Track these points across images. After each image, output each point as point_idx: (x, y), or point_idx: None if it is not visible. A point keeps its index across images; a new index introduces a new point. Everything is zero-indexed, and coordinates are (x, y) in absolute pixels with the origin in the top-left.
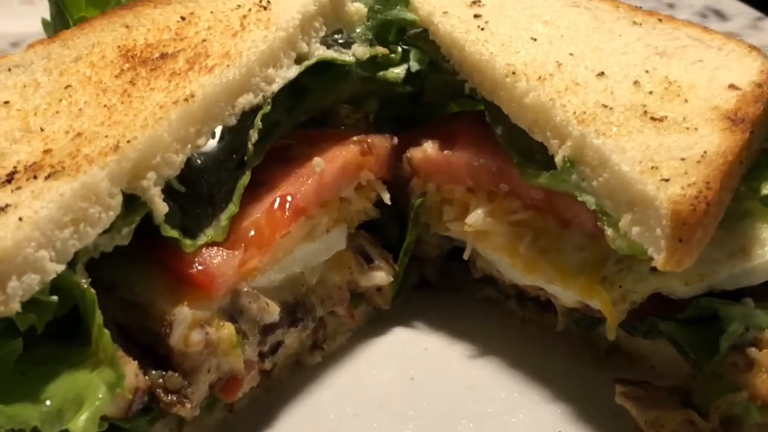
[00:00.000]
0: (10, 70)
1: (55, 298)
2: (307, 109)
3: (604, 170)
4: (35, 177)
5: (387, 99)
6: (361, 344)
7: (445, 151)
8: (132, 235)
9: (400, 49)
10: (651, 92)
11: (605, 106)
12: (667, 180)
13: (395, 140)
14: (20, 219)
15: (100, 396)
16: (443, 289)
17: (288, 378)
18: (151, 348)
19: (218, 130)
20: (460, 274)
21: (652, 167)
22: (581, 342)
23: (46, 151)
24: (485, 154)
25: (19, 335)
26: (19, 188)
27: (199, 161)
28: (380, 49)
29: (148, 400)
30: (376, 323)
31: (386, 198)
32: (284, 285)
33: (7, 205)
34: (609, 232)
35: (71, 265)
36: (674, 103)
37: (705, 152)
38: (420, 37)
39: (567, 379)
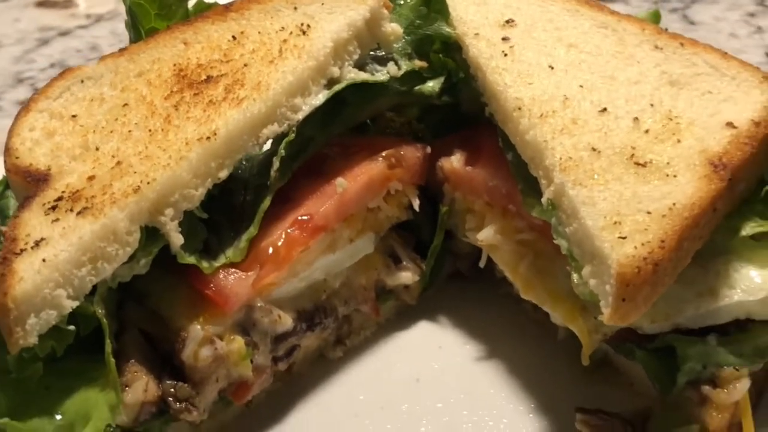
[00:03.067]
0: (82, 81)
1: (72, 327)
2: (343, 123)
3: (574, 220)
4: (72, 209)
5: (427, 107)
6: (382, 338)
7: (468, 167)
8: (150, 264)
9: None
10: (647, 131)
11: (594, 150)
12: (624, 238)
13: (428, 149)
14: (43, 260)
15: (102, 416)
16: (474, 281)
17: (308, 371)
18: (169, 357)
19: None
20: (490, 269)
21: (615, 222)
22: (578, 352)
23: (90, 178)
24: (499, 175)
25: (40, 360)
26: (57, 220)
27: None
28: (418, 63)
29: (161, 406)
30: (403, 317)
31: (416, 204)
32: (304, 293)
33: (42, 239)
34: (574, 277)
35: (91, 293)
36: (665, 145)
37: (674, 204)
38: (457, 52)
39: (559, 389)
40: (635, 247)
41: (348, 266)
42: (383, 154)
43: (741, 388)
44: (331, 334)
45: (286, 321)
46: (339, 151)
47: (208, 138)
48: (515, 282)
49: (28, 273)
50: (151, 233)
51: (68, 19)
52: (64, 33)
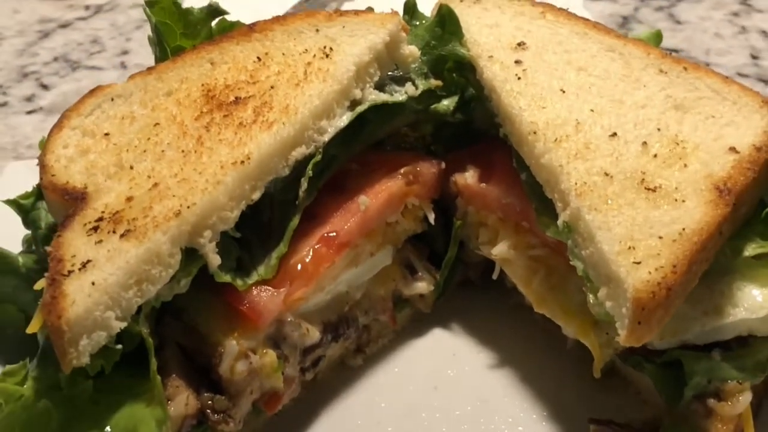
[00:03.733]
0: (113, 99)
1: (120, 346)
2: (363, 141)
3: (591, 244)
4: (114, 231)
5: (440, 124)
6: (399, 345)
7: (482, 184)
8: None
9: (455, 78)
10: (656, 155)
11: (607, 175)
12: (639, 263)
13: (443, 165)
14: (93, 283)
15: (150, 431)
16: (484, 289)
17: (331, 379)
18: (206, 369)
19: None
20: (500, 278)
21: (630, 247)
22: (585, 362)
23: (129, 199)
24: (513, 193)
25: (90, 377)
26: (101, 242)
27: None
28: (434, 82)
29: (200, 418)
30: (417, 323)
31: (431, 218)
32: (329, 305)
33: (89, 261)
34: (590, 298)
35: (136, 313)
36: (673, 169)
37: (683, 229)
38: (470, 72)
39: (569, 397)
40: (650, 272)
41: (368, 278)
42: (401, 171)
43: (744, 400)
44: (352, 343)
45: (314, 334)
46: (358, 167)
47: (242, 162)
48: (528, 296)
49: (80, 296)
50: (190, 254)
51: (67, 10)
52: (64, 25)
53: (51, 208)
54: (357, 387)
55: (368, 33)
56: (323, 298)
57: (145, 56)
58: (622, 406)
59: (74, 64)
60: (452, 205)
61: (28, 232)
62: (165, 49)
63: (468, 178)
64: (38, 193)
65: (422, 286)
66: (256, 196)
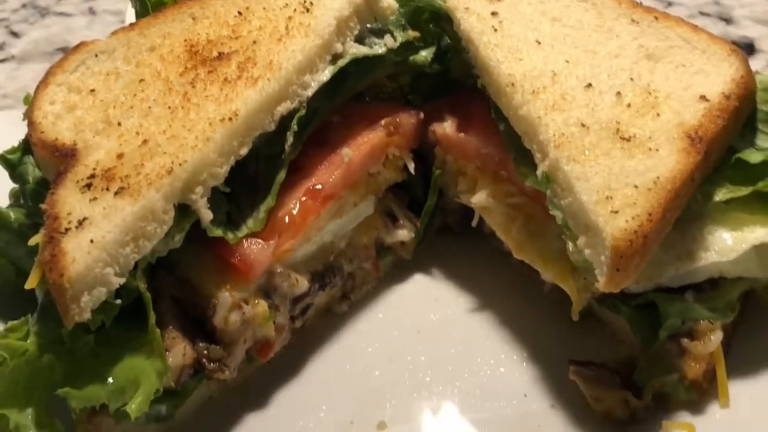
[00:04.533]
0: (96, 56)
1: (119, 301)
2: (344, 94)
3: (569, 194)
4: (108, 189)
5: (418, 74)
6: (383, 291)
7: (461, 134)
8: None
9: (432, 29)
10: (629, 105)
11: (583, 126)
12: (616, 212)
13: (421, 115)
14: (91, 241)
15: (151, 382)
16: (463, 235)
17: (318, 326)
18: (200, 320)
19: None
20: (478, 225)
21: (607, 197)
22: (563, 305)
23: (119, 156)
24: (492, 143)
25: (90, 332)
26: (95, 199)
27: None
28: (412, 34)
29: (196, 367)
30: (399, 270)
31: (411, 167)
32: (315, 255)
33: (85, 219)
34: (570, 246)
35: (133, 269)
36: (646, 118)
37: (658, 178)
38: (447, 23)
39: (548, 339)
40: (626, 221)
41: (352, 228)
42: (382, 122)
43: (715, 339)
44: (337, 291)
45: (303, 283)
46: (339, 119)
47: (230, 119)
48: (507, 243)
49: (79, 254)
50: (182, 210)
51: None
52: None
53: (41, 164)
54: (343, 333)
55: None
56: (310, 248)
57: (113, 2)
58: (599, 347)
59: (43, 10)
60: (431, 154)
61: (15, 186)
62: (145, 4)
63: (446, 128)
64: (25, 147)
65: (403, 233)
66: (244, 151)
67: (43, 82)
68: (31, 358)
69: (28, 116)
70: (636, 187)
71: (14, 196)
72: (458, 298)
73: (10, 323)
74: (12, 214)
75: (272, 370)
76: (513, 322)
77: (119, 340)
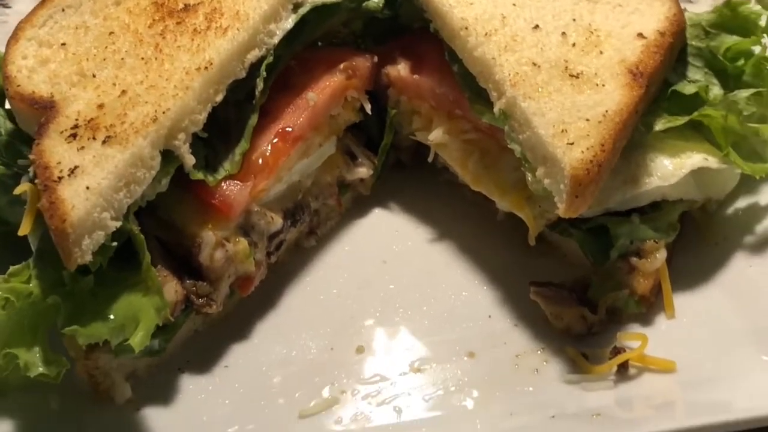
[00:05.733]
0: (63, 10)
1: (115, 243)
2: (304, 40)
3: (527, 129)
4: (94, 138)
5: (369, 20)
6: (345, 226)
7: (414, 75)
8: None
9: None
10: (574, 44)
11: (535, 65)
12: (572, 144)
13: (375, 58)
14: (87, 188)
15: (150, 317)
16: (415, 170)
17: (289, 260)
18: (185, 259)
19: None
20: (430, 159)
21: (563, 130)
22: (515, 231)
23: (100, 107)
24: (445, 83)
25: (90, 273)
26: (83, 148)
27: None
28: None
29: (185, 303)
30: (359, 205)
31: (368, 108)
32: (285, 194)
33: (76, 167)
34: (529, 177)
35: (125, 215)
36: (591, 56)
37: (606, 111)
38: None
39: (504, 263)
40: (582, 152)
41: (317, 167)
42: (341, 66)
43: (660, 257)
44: (305, 226)
45: (277, 221)
46: (299, 64)
47: (206, 68)
48: (464, 176)
49: (78, 200)
50: (166, 156)
51: None
52: None
53: (20, 117)
54: (313, 267)
55: None
56: (281, 188)
57: None
58: (552, 269)
59: None
60: (383, 95)
61: None
62: None
63: (400, 70)
64: None
65: (363, 171)
66: (219, 98)
67: (13, 37)
68: (36, 300)
69: (2, 70)
70: (587, 120)
71: None
72: (417, 230)
73: (12, 268)
74: None
75: (251, 303)
76: (471, 249)
77: (113, 280)
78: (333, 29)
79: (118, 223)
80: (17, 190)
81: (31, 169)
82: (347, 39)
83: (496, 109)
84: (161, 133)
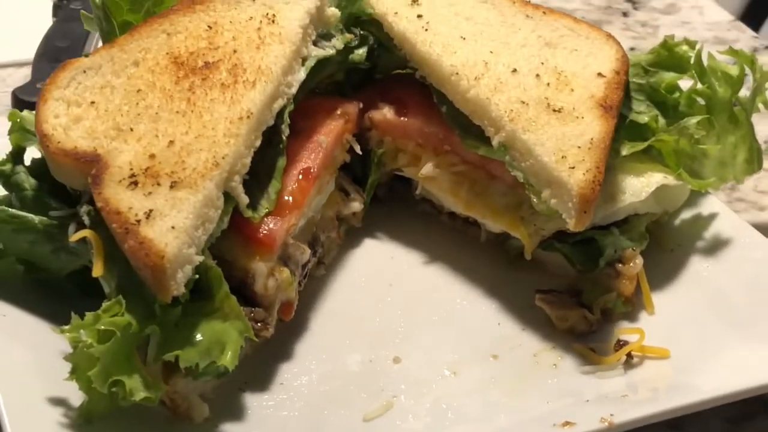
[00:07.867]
0: (84, 72)
1: (197, 275)
2: (305, 90)
3: (529, 158)
4: (158, 184)
5: (350, 70)
6: (344, 256)
7: (401, 118)
8: None
9: (359, 32)
10: (548, 84)
11: (523, 102)
12: (573, 167)
13: (361, 105)
14: (173, 227)
15: (235, 339)
16: (389, 203)
17: (307, 287)
18: (235, 289)
19: None
20: (403, 192)
21: (562, 156)
22: (497, 250)
23: (151, 156)
24: (433, 122)
25: (178, 304)
26: (150, 194)
27: None
28: (349, 36)
29: None
30: (351, 237)
31: (357, 149)
32: (305, 229)
33: (151, 211)
34: (534, 199)
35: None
36: (564, 93)
37: (592, 139)
38: (375, 27)
39: (493, 279)
40: (584, 174)
41: (323, 203)
42: (338, 112)
43: (639, 262)
44: (317, 257)
45: (307, 251)
46: (301, 114)
47: (248, 117)
48: (456, 204)
49: (168, 238)
50: (225, 197)
51: None
52: None
53: (60, 171)
54: (329, 292)
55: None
56: (303, 222)
57: None
58: (537, 280)
59: None
60: (364, 137)
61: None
62: (112, 23)
63: (386, 114)
64: (14, 158)
65: (356, 205)
66: (258, 143)
67: (42, 99)
68: (135, 331)
69: (38, 131)
70: (579, 147)
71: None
72: (409, 255)
73: (105, 305)
74: (35, 218)
75: (284, 327)
76: (462, 268)
77: (191, 310)
78: (322, 79)
79: (201, 258)
80: (76, 236)
81: (85, 217)
82: (329, 88)
83: (495, 143)
84: (223, 176)
